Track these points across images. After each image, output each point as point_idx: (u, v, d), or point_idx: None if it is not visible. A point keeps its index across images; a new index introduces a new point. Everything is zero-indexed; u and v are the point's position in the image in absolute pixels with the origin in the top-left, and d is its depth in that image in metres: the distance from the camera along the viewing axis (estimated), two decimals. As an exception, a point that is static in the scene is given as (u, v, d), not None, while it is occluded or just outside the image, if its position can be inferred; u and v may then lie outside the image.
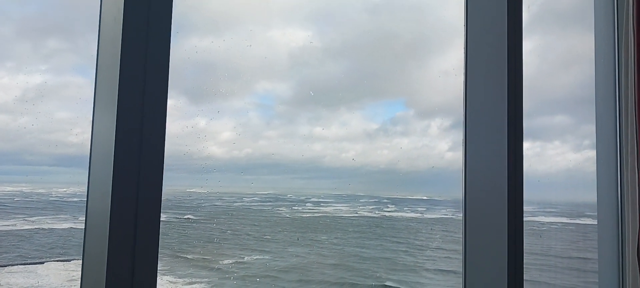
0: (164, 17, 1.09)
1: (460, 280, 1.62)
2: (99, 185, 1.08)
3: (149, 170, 1.06)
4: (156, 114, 1.08)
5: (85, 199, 1.14)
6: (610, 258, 2.09)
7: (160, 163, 1.08)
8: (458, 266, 1.71)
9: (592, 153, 2.18)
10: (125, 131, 1.04)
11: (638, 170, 1.85)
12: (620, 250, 2.06)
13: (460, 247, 1.65)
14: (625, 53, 1.94)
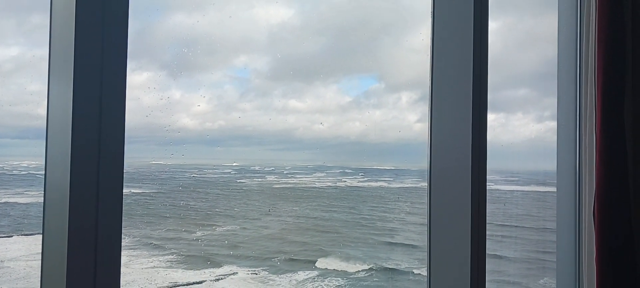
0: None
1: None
2: (57, 159, 1.04)
3: (109, 141, 1.03)
4: (115, 83, 1.04)
5: (44, 173, 1.10)
6: (567, 221, 2.17)
7: (121, 135, 1.05)
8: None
9: (553, 124, 2.25)
10: (82, 101, 1.00)
11: (596, 133, 1.91)
12: (577, 213, 2.14)
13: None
14: (587, 27, 1.98)
